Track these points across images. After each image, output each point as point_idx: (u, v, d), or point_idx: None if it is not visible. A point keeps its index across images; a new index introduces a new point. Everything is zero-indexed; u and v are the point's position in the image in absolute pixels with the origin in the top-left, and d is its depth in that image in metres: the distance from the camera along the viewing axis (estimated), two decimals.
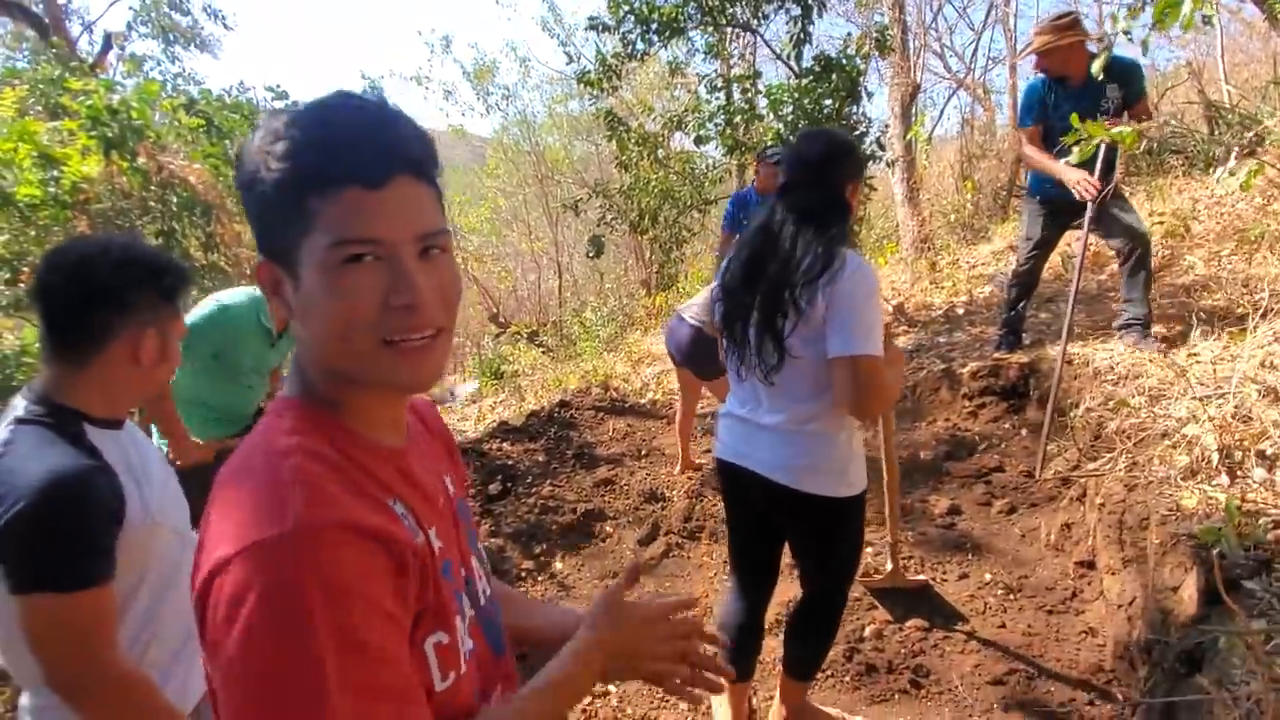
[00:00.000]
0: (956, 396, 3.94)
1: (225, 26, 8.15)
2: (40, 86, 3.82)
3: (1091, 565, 2.47)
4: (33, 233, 3.10)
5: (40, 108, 3.77)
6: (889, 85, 8.38)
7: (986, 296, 5.01)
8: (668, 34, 4.69)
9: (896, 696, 2.19)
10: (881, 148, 4.96)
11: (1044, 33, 3.11)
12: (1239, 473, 1.85)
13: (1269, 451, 1.87)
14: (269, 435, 0.62)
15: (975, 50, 11.72)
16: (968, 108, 12.57)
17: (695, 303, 3.65)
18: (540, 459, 4.39)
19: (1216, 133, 6.94)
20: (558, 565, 3.23)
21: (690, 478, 3.90)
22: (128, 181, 3.20)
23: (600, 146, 14.19)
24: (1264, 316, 2.55)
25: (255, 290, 2.42)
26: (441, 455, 0.83)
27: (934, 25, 11.61)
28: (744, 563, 1.91)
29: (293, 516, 0.53)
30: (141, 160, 3.23)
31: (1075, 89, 3.03)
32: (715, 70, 5.33)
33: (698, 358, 3.62)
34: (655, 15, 4.57)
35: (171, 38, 9.11)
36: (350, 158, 0.56)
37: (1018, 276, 3.61)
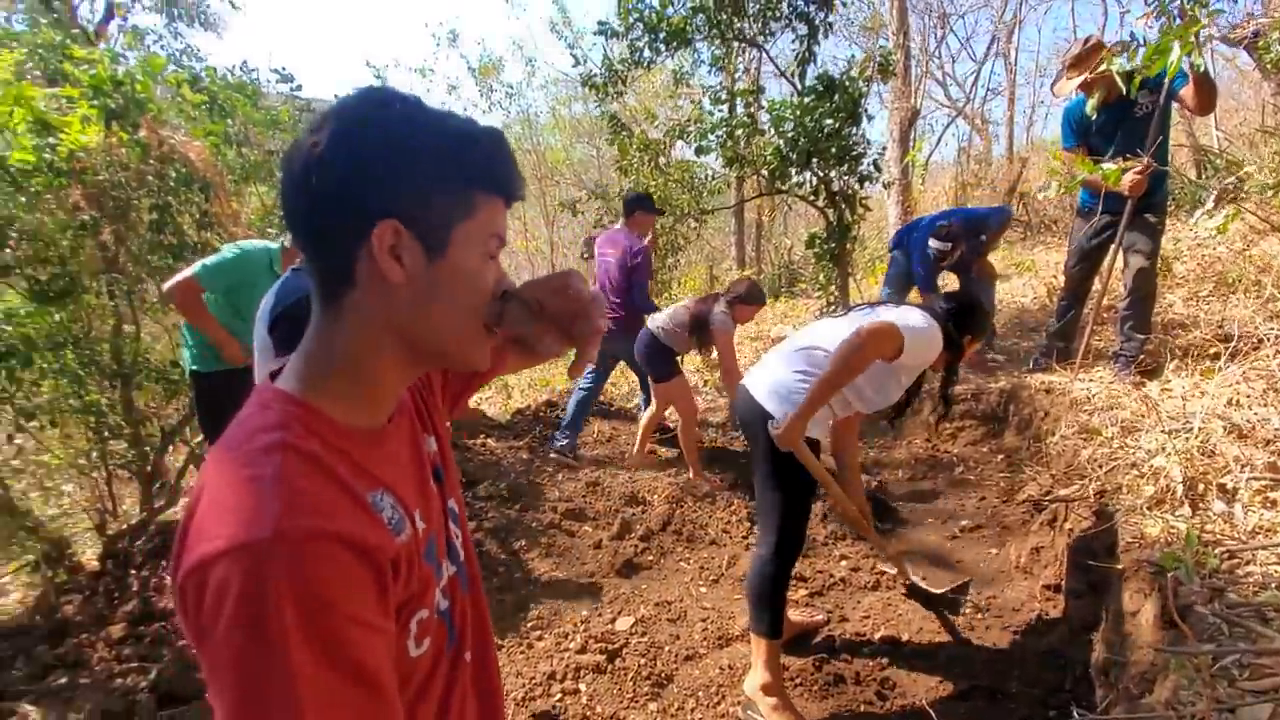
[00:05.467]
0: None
1: (232, 5, 8.12)
2: (40, 51, 3.78)
3: (1058, 589, 2.53)
4: (23, 199, 3.07)
5: (38, 73, 3.73)
6: (890, 109, 8.51)
7: None
8: (675, 44, 4.75)
9: (862, 708, 2.22)
10: (878, 169, 5.04)
11: (1074, 65, 3.18)
12: (1200, 505, 1.92)
13: (1229, 485, 1.93)
14: (255, 428, 0.61)
15: (975, 81, 11.93)
16: (965, 137, 12.78)
17: (664, 312, 3.94)
18: (524, 456, 4.39)
19: (1204, 176, 7.12)
20: (534, 563, 3.24)
21: (670, 483, 3.93)
22: (126, 154, 3.17)
23: (601, 150, 14.21)
24: (1233, 357, 2.64)
25: (270, 243, 2.94)
26: (428, 410, 0.84)
27: (937, 53, 11.80)
28: None
29: (273, 523, 0.53)
30: (142, 133, 3.21)
31: (1110, 104, 3.07)
32: (719, 83, 5.39)
33: (649, 360, 3.93)
34: (664, 25, 4.63)
35: (176, 12, 9.04)
36: (511, 174, 0.69)
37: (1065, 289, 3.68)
